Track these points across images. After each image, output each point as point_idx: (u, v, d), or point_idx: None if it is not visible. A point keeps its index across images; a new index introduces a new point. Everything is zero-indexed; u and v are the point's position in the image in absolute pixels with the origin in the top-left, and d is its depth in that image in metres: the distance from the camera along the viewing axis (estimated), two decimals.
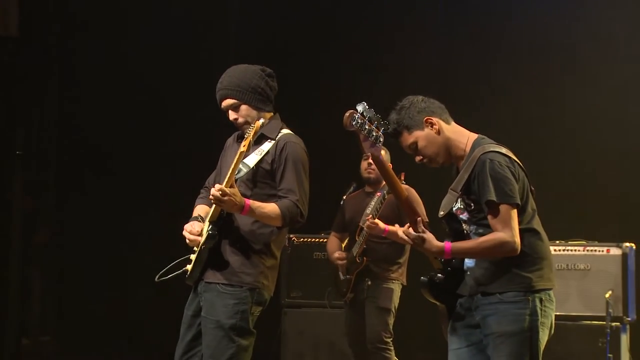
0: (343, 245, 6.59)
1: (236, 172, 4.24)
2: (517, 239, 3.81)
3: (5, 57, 8.05)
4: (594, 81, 8.01)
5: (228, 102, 4.46)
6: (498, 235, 3.80)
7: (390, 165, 5.26)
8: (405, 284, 6.39)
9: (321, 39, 8.59)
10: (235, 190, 4.21)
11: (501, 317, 3.87)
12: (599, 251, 6.81)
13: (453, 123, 4.07)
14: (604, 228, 7.35)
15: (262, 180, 4.40)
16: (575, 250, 6.85)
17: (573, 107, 8.05)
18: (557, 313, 6.35)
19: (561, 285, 6.62)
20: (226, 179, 4.20)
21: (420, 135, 3.99)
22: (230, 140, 4.65)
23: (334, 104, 7.98)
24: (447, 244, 3.86)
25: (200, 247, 4.32)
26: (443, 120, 4.02)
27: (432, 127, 3.99)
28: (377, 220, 5.86)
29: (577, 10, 8.07)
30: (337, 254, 6.39)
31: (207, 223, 4.35)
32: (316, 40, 8.59)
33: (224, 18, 8.71)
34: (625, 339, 6.64)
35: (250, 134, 4.22)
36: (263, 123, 4.36)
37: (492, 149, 3.91)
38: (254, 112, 4.45)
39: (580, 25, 8.05)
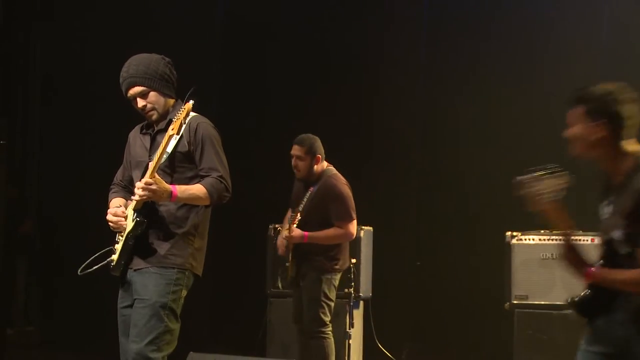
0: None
1: (162, 160, 4.30)
2: None
3: None
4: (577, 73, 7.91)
5: (136, 89, 4.49)
6: None
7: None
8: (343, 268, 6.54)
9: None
10: (159, 179, 4.27)
11: None
12: (584, 240, 6.69)
13: None
14: (589, 217, 7.32)
15: (180, 164, 4.45)
16: (560, 239, 6.81)
17: (551, 98, 7.98)
18: (542, 302, 6.61)
19: (546, 274, 6.73)
20: (150, 169, 4.24)
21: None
22: (133, 132, 4.69)
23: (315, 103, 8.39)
24: (590, 269, 3.69)
25: (127, 234, 4.36)
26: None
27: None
28: (293, 233, 6.23)
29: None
30: (280, 241, 6.56)
31: (130, 211, 4.38)
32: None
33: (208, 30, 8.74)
34: None
35: (180, 116, 4.25)
36: (191, 107, 4.37)
37: None
38: (161, 99, 4.51)
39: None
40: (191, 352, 6.44)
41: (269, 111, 8.51)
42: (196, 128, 4.45)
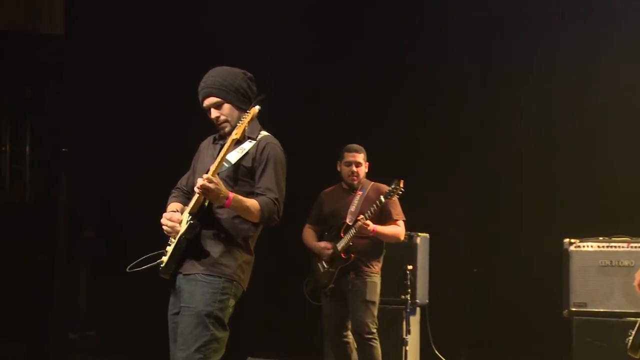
0: None
1: (222, 166, 4.31)
2: None
3: (52, 55, 8.06)
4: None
5: (211, 100, 4.52)
6: None
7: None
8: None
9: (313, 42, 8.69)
10: (220, 182, 4.27)
11: None
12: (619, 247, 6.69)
13: None
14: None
15: (242, 178, 4.46)
16: (619, 246, 6.73)
17: (610, 102, 7.91)
18: (601, 310, 6.60)
19: (605, 281, 6.68)
20: (213, 168, 4.26)
21: None
22: (205, 142, 4.71)
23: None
24: None
25: (180, 237, 4.35)
26: None
27: None
28: (368, 222, 6.21)
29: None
30: (323, 244, 6.51)
31: (186, 214, 4.38)
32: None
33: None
34: None
35: (245, 121, 4.28)
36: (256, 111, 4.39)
37: None
38: (235, 112, 4.51)
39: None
40: (249, 357, 6.44)
41: (320, 112, 8.56)
42: (264, 147, 4.47)
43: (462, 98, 8.38)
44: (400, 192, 6.27)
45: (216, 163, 4.26)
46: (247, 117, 4.29)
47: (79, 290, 8.83)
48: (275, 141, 4.56)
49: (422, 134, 8.39)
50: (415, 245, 7.30)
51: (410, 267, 6.93)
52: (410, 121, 8.41)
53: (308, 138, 8.39)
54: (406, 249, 7.12)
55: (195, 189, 4.27)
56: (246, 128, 4.31)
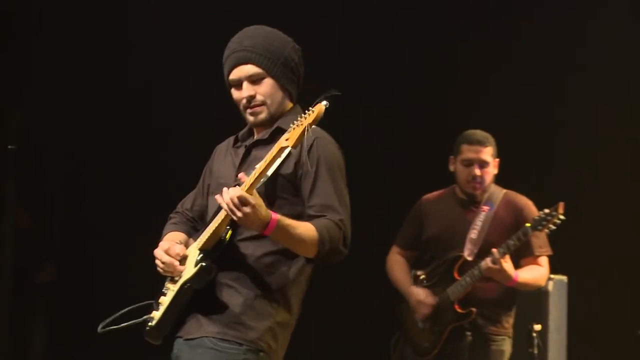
0: None
1: (266, 173, 3.54)
2: None
3: None
4: None
5: (248, 69, 3.75)
6: None
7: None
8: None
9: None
10: (260, 201, 3.49)
11: None
12: None
13: None
14: None
15: (281, 195, 3.73)
16: None
17: None
18: None
19: None
20: (249, 183, 3.51)
21: None
22: (222, 146, 4.03)
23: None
24: None
25: (183, 284, 3.62)
26: None
27: None
28: (506, 264, 5.16)
29: None
30: (423, 294, 5.43)
31: (194, 250, 3.66)
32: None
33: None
34: None
35: (304, 122, 3.42)
36: (318, 113, 3.51)
37: None
38: (279, 94, 3.80)
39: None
40: None
41: (401, 102, 7.45)
42: (312, 145, 3.77)
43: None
44: (559, 221, 5.14)
45: (255, 174, 3.52)
46: (308, 118, 3.49)
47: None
48: (327, 135, 3.86)
49: (558, 123, 6.98)
50: (546, 293, 6.27)
51: (538, 326, 5.88)
52: (539, 108, 7.01)
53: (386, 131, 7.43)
54: (531, 299, 6.03)
55: (222, 203, 3.53)
56: (307, 133, 3.50)
